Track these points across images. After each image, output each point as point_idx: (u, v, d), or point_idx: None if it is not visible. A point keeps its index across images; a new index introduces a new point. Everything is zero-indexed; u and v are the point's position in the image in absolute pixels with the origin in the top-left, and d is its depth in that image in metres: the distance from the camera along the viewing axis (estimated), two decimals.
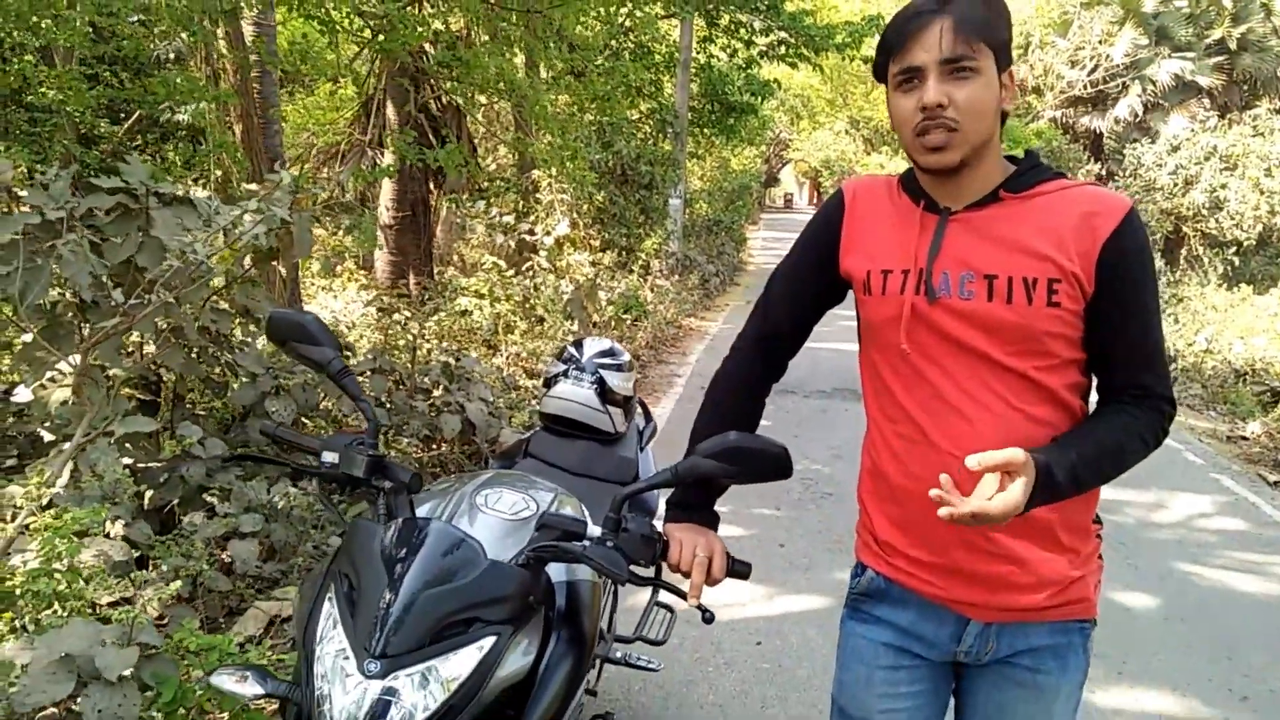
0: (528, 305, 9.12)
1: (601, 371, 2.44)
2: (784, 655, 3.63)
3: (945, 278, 1.46)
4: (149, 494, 3.86)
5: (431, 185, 12.09)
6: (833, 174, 37.49)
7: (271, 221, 3.03)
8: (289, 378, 4.67)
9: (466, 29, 10.44)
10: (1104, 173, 22.25)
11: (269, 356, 4.67)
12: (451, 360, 5.24)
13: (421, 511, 1.64)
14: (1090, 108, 23.19)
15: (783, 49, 13.88)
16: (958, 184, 1.47)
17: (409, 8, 6.69)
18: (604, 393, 2.42)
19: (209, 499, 4.03)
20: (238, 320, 4.44)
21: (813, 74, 15.62)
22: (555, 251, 10.54)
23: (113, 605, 2.73)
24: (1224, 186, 19.11)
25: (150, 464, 3.97)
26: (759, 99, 16.17)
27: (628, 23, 11.62)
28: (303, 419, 4.95)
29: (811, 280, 1.66)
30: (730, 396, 1.72)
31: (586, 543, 1.52)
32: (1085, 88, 22.42)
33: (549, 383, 2.48)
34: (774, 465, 1.48)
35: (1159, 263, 18.19)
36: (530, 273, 9.91)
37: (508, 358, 7.98)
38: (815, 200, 59.90)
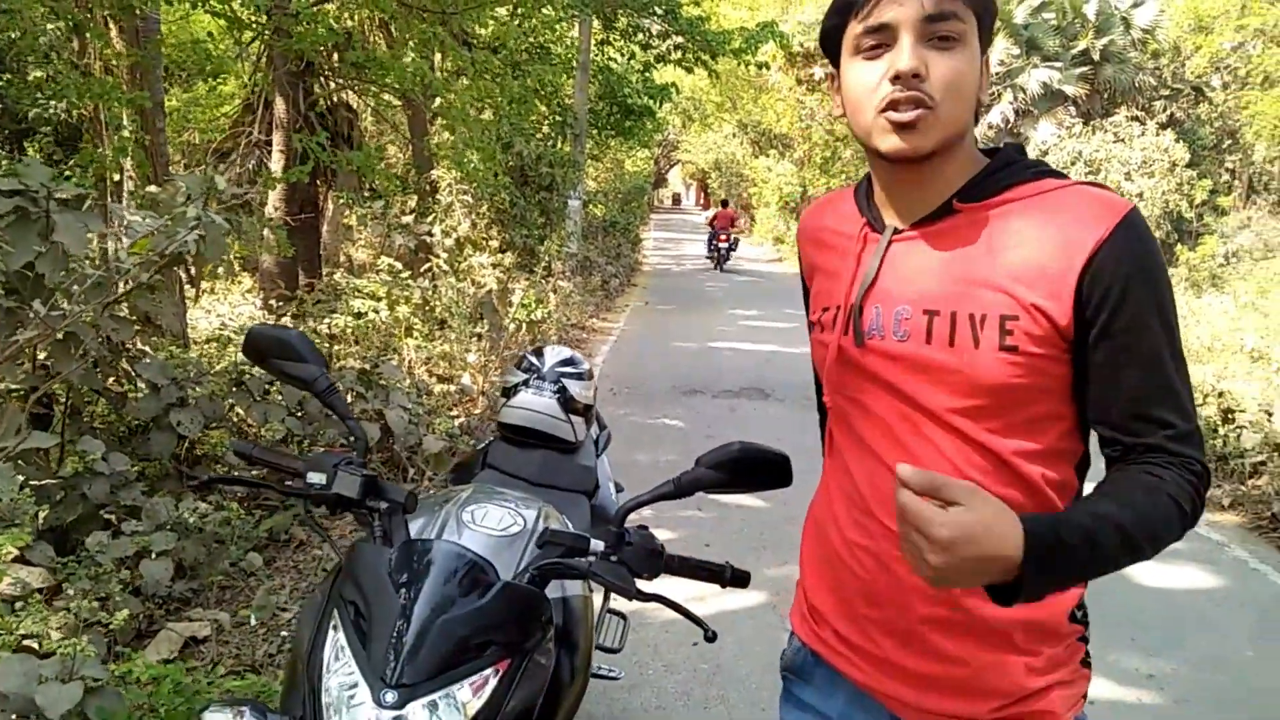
0: (427, 308, 8.93)
1: (564, 380, 2.41)
2: (721, 655, 3.66)
3: (877, 314, 1.20)
4: (43, 513, 3.63)
5: (319, 184, 11.74)
6: (721, 175, 38.17)
7: (209, 227, 2.89)
8: (194, 389, 4.46)
9: (363, 26, 10.18)
10: None
11: (172, 366, 4.44)
12: (368, 367, 5.09)
13: (412, 531, 1.59)
14: None
15: (679, 53, 14.01)
16: (919, 186, 1.19)
17: (315, 6, 6.48)
18: (566, 401, 2.39)
19: (107, 516, 3.82)
20: (139, 328, 4.21)
21: (703, 78, 15.83)
22: (456, 253, 10.36)
23: (27, 637, 2.56)
24: None
25: (46, 481, 3.74)
26: (657, 102, 16.29)
27: (530, 23, 11.55)
28: (206, 431, 4.74)
29: None
30: None
31: (591, 559, 1.50)
32: None
33: (508, 392, 2.43)
34: (775, 473, 1.50)
35: None
36: (429, 274, 9.71)
37: (410, 363, 7.80)
38: (702, 200, 60.72)
